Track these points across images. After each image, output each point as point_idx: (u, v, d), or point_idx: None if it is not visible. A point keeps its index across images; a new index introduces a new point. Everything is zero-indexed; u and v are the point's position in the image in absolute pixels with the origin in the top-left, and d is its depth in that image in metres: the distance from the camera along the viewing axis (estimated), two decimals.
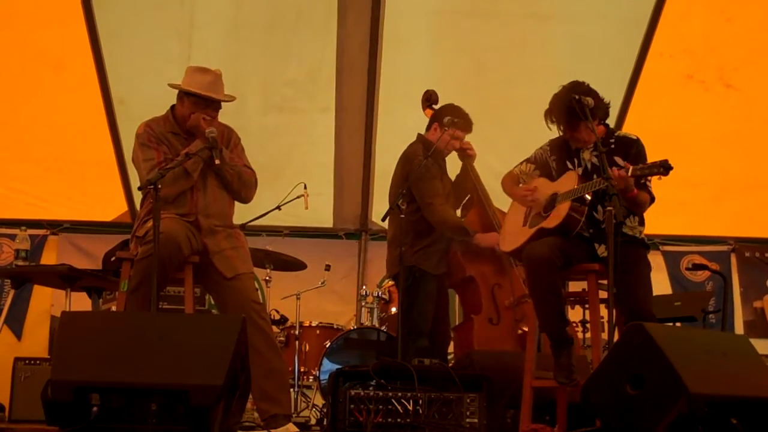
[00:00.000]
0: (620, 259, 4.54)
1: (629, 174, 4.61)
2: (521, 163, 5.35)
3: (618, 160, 4.89)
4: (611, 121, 5.36)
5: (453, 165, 6.44)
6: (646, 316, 4.67)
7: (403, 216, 5.63)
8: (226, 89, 5.22)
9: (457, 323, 6.82)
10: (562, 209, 4.89)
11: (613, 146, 4.97)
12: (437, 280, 6.13)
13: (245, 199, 5.32)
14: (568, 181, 4.97)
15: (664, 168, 4.50)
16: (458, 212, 6.40)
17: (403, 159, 6.18)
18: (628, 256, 4.76)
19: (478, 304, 6.12)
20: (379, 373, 4.52)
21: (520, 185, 5.30)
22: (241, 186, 5.22)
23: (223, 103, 5.21)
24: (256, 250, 6.55)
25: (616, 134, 5.08)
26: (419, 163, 5.92)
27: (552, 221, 4.93)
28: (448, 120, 6.06)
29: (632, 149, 4.95)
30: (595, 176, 4.77)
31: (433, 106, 6.39)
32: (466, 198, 6.41)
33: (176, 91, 5.20)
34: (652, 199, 4.88)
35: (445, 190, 6.21)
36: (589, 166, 4.97)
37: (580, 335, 7.04)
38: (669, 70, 7.82)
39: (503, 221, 5.63)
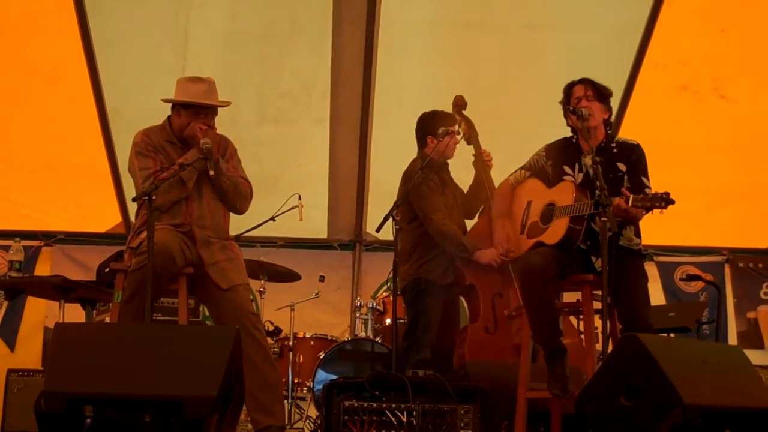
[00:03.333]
0: (617, 270, 4.54)
1: (629, 204, 4.60)
2: (516, 171, 5.33)
3: (620, 165, 4.94)
4: None
5: (467, 174, 6.46)
6: (644, 326, 4.65)
7: (398, 228, 5.62)
8: (225, 101, 5.22)
9: None
10: (561, 226, 4.88)
11: (615, 151, 5.00)
12: (445, 290, 6.13)
13: (240, 210, 5.31)
14: (565, 193, 4.94)
15: (665, 202, 4.49)
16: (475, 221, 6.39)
17: (404, 176, 6.17)
18: (625, 268, 4.77)
19: (477, 313, 6.12)
20: (373, 385, 4.52)
21: (525, 201, 5.27)
22: (237, 197, 5.21)
23: (218, 114, 5.22)
24: (250, 261, 6.54)
25: (616, 139, 5.10)
26: (417, 178, 5.90)
27: (552, 238, 4.91)
28: (442, 131, 6.06)
29: (633, 155, 4.98)
30: (597, 183, 4.74)
31: (462, 111, 6.40)
32: (482, 207, 6.39)
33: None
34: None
35: (449, 202, 6.20)
36: (591, 172, 4.94)
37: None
38: (663, 81, 7.84)
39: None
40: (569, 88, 5.12)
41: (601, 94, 5.07)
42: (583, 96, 5.02)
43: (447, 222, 6.08)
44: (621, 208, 4.61)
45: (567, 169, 5.07)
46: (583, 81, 5.10)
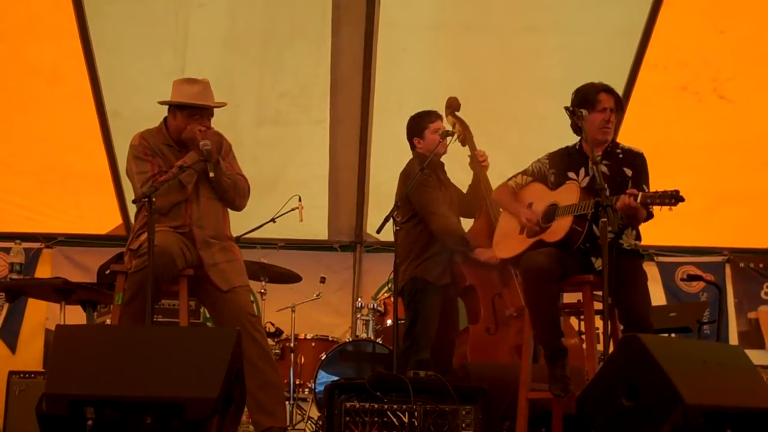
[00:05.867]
0: (617, 269, 4.54)
1: (638, 201, 4.59)
2: (517, 176, 5.32)
3: (627, 170, 4.97)
4: None
5: (465, 174, 6.46)
6: (645, 325, 4.67)
7: (398, 228, 5.62)
8: (220, 101, 5.22)
9: None
10: (564, 224, 4.88)
11: (620, 156, 5.02)
12: (442, 290, 6.12)
13: (238, 207, 5.31)
14: (569, 194, 4.95)
15: (675, 199, 4.47)
16: (471, 222, 6.38)
17: (402, 176, 6.18)
18: (626, 267, 4.77)
19: (477, 314, 6.11)
20: (374, 386, 4.51)
21: (527, 203, 5.25)
22: (236, 195, 5.22)
23: (217, 116, 5.22)
24: (250, 263, 6.54)
25: (620, 146, 5.11)
26: (415, 176, 5.90)
27: (553, 236, 4.91)
28: (442, 133, 6.07)
29: (636, 161, 5.01)
30: (597, 183, 4.73)
31: (456, 113, 6.40)
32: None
33: None
34: (650, 216, 4.86)
35: (447, 200, 6.21)
36: (596, 174, 4.93)
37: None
38: (663, 81, 7.84)
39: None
40: (595, 93, 5.02)
41: (620, 106, 5.08)
42: (609, 109, 4.99)
43: (449, 216, 6.08)
44: (631, 206, 4.60)
45: (571, 175, 5.07)
46: (609, 91, 5.04)
